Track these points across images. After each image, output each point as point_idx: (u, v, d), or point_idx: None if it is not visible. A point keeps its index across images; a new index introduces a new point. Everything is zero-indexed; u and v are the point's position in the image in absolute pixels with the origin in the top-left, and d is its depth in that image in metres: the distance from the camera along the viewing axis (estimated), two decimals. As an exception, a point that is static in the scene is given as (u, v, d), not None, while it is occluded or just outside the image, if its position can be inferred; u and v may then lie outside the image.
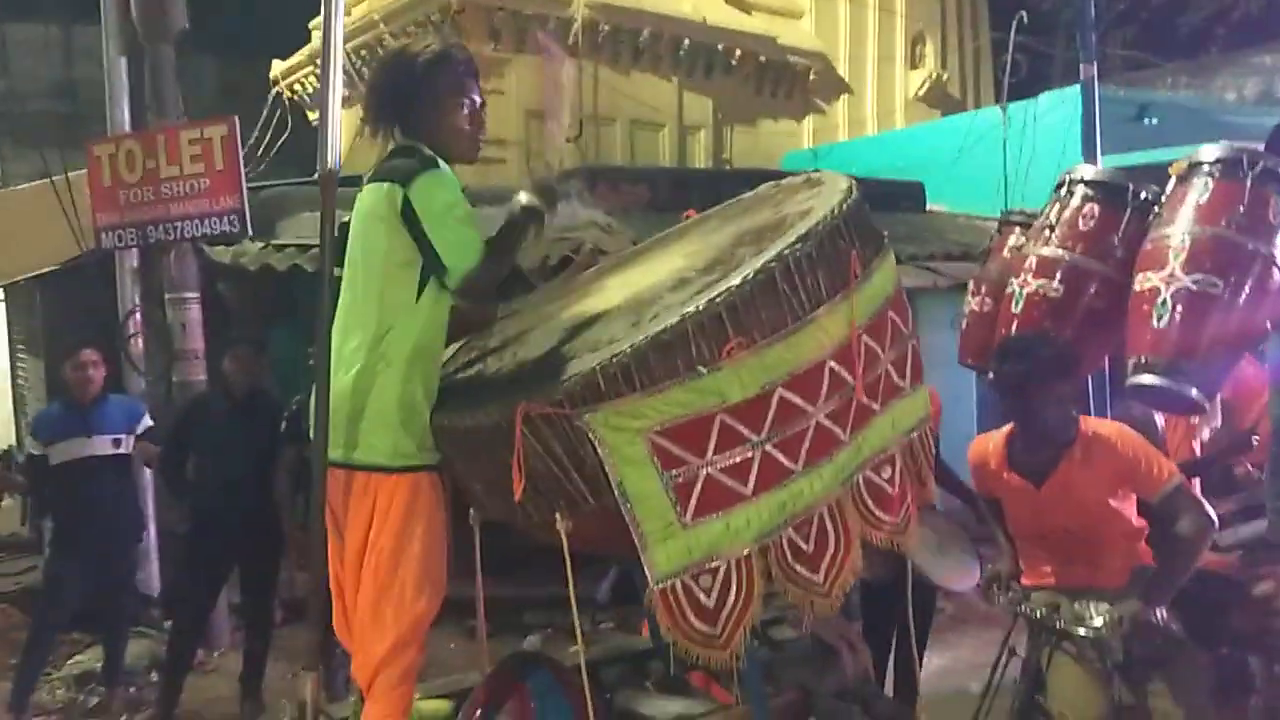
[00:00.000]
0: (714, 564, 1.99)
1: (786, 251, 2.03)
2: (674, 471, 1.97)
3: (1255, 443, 3.65)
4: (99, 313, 6.26)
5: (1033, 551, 3.09)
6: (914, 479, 2.33)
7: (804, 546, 2.09)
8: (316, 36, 14.11)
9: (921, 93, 16.40)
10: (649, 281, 2.38)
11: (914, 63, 16.58)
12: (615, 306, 2.30)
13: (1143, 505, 2.95)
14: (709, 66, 13.96)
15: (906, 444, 2.30)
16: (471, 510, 2.49)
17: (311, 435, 2.29)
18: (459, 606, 2.51)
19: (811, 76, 15.27)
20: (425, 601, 2.26)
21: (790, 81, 15.11)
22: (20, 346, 9.25)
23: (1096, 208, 3.10)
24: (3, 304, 9.90)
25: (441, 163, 2.29)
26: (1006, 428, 3.07)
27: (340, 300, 2.35)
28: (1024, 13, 11.12)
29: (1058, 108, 10.43)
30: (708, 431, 1.98)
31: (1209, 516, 2.82)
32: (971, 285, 3.64)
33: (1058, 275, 3.11)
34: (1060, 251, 3.12)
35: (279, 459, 4.40)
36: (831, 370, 2.08)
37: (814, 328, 2.05)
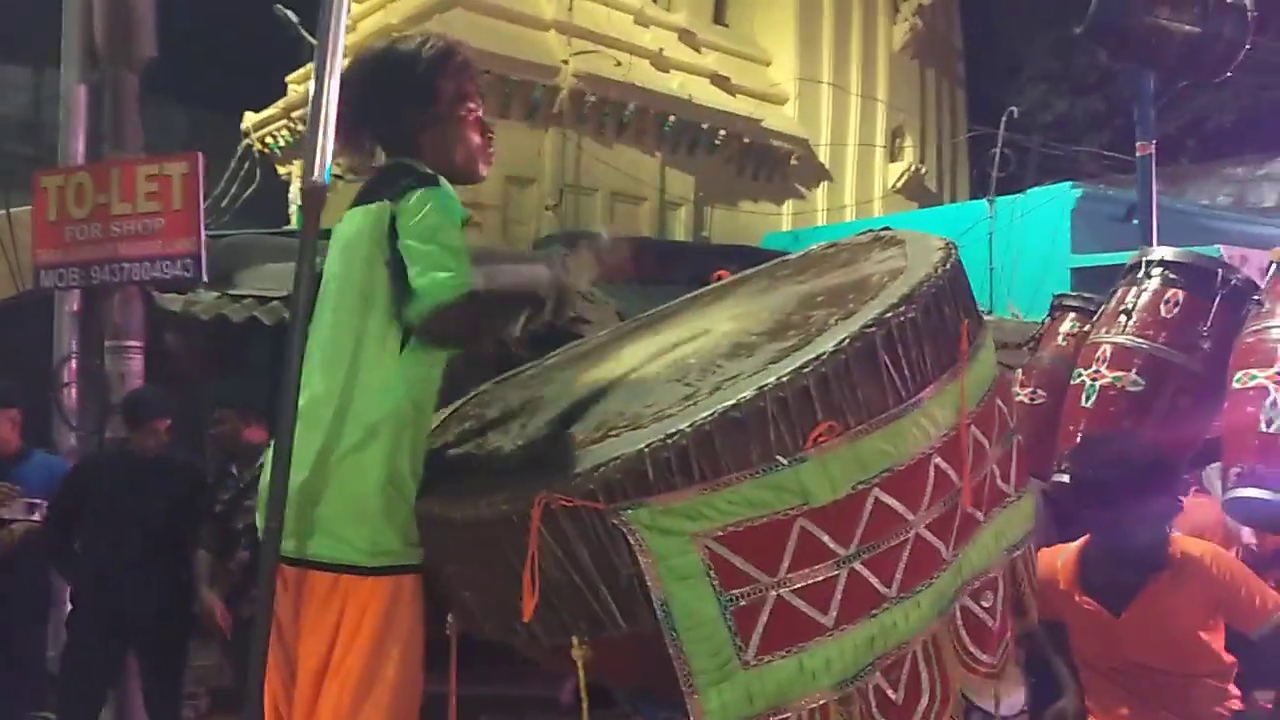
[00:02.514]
0: (781, 716, 1.53)
1: (889, 315, 1.60)
2: (736, 592, 1.51)
3: None
4: (32, 358, 5.71)
5: (1105, 688, 2.64)
6: (1013, 607, 1.88)
7: (892, 696, 1.62)
8: (293, 89, 13.80)
9: (900, 184, 16.44)
10: (693, 346, 1.94)
11: (894, 154, 16.67)
12: (653, 374, 1.86)
13: (1231, 638, 2.54)
14: (693, 144, 13.86)
15: (1009, 564, 1.85)
16: (450, 616, 1.99)
17: (258, 517, 1.79)
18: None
19: (793, 161, 15.25)
20: None
21: (772, 164, 15.06)
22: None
23: (1181, 294, 2.75)
24: (-69, 344, 9.25)
25: (445, 182, 1.85)
26: (1079, 542, 2.65)
27: (306, 349, 1.86)
28: (1014, 109, 11.18)
29: (1046, 202, 10.34)
30: (783, 541, 1.53)
31: (1324, 657, 2.40)
32: (1021, 375, 3.26)
33: (1136, 367, 2.73)
34: (1140, 341, 2.75)
35: (195, 533, 3.88)
36: (937, 468, 1.64)
37: (919, 414, 1.62)
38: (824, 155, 15.76)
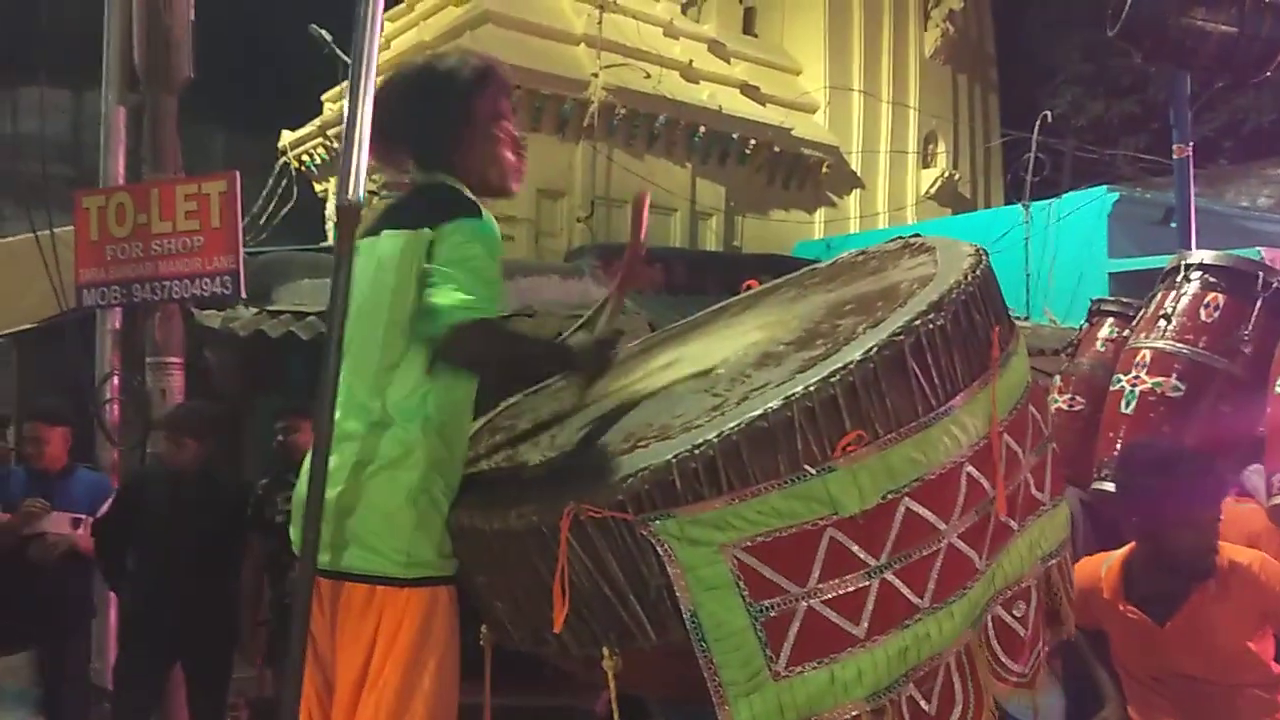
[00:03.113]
0: (814, 729, 1.51)
1: (917, 323, 1.59)
2: (766, 602, 1.51)
3: None
4: (75, 376, 5.82)
5: (1148, 698, 2.59)
6: (1048, 619, 1.85)
7: (925, 707, 1.60)
8: (328, 107, 14.00)
9: (933, 191, 16.31)
10: (720, 356, 1.93)
11: (926, 161, 16.55)
12: (684, 385, 1.85)
13: (1281, 648, 2.48)
14: (723, 154, 13.86)
15: (1044, 573, 1.82)
16: (484, 628, 2.00)
17: (292, 530, 1.81)
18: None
19: (824, 169, 15.20)
20: None
21: (803, 173, 15.01)
22: (-7, 407, 8.81)
23: (1221, 297, 2.69)
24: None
25: (485, 212, 1.86)
26: (1123, 550, 2.60)
27: (341, 369, 1.88)
28: (1048, 113, 11.06)
29: (1083, 206, 10.20)
30: (813, 551, 1.52)
31: (1376, 669, 2.34)
32: (1059, 381, 3.21)
33: (1177, 372, 2.68)
34: (1180, 346, 2.70)
35: (244, 548, 3.91)
36: (969, 477, 1.62)
37: (949, 422, 1.60)
38: (855, 163, 15.69)
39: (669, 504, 1.50)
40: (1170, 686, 2.51)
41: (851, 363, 1.53)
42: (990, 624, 1.73)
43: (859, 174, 15.77)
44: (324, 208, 14.04)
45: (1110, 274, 9.53)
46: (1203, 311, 2.71)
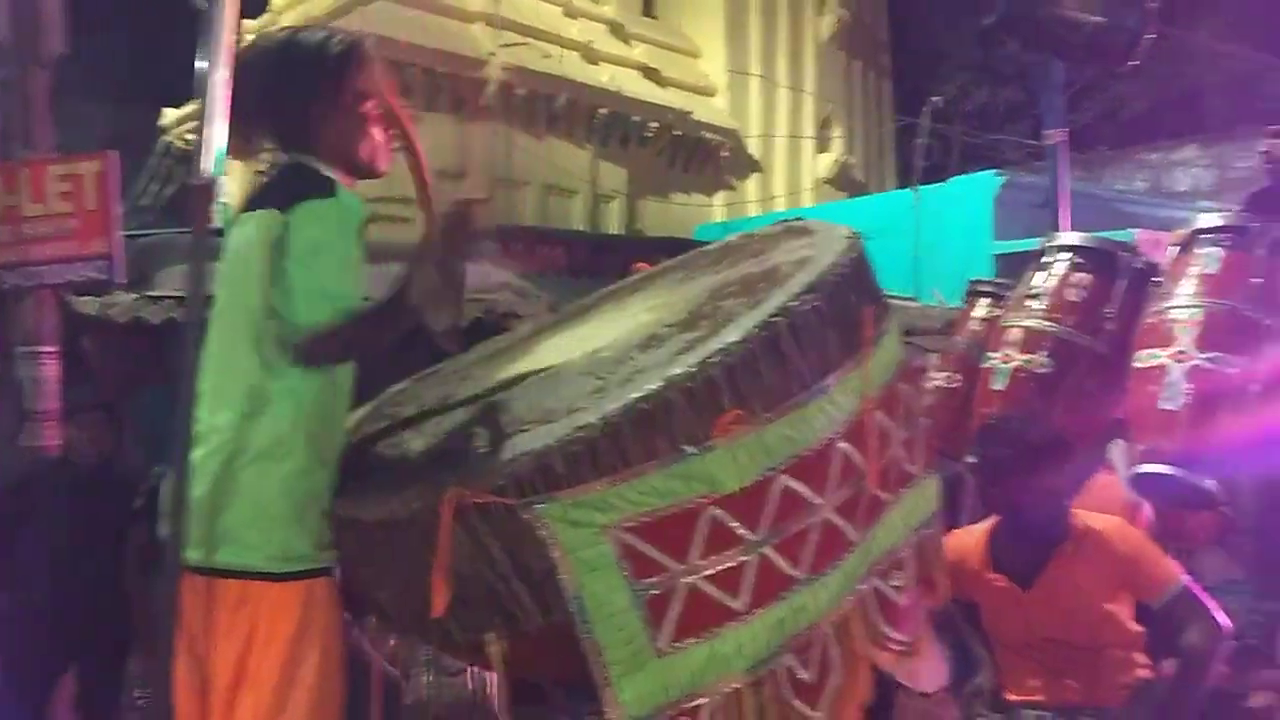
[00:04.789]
0: (696, 703, 1.55)
1: (794, 303, 1.63)
2: (648, 581, 1.53)
3: None
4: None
5: (1018, 663, 2.72)
6: (923, 585, 1.93)
7: (804, 676, 1.65)
8: (214, 85, 13.44)
9: (829, 175, 16.63)
10: (608, 339, 1.95)
11: (823, 145, 16.84)
12: (568, 368, 1.86)
13: (1141, 610, 2.64)
14: (624, 137, 13.85)
15: (917, 543, 1.90)
16: (372, 620, 1.98)
17: (162, 528, 1.76)
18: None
19: (724, 153, 15.33)
20: None
21: (703, 156, 15.12)
22: None
23: (1087, 277, 2.84)
24: None
25: (342, 188, 1.80)
26: (988, 522, 2.73)
27: (205, 359, 1.83)
28: (938, 99, 11.39)
29: (969, 190, 10.56)
30: (693, 529, 1.55)
31: (1220, 624, 2.50)
32: (937, 360, 3.34)
33: (1045, 349, 2.81)
34: (1048, 324, 2.83)
35: (128, 540, 3.77)
36: (842, 453, 1.68)
37: (824, 400, 1.65)
38: (754, 147, 15.87)
39: (552, 487, 1.51)
40: (1037, 651, 2.64)
41: (730, 344, 1.57)
42: (870, 595, 1.79)
43: (758, 158, 15.97)
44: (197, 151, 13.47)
45: (995, 255, 9.89)
46: (1070, 291, 2.85)
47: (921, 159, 11.07)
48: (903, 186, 13.48)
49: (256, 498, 1.73)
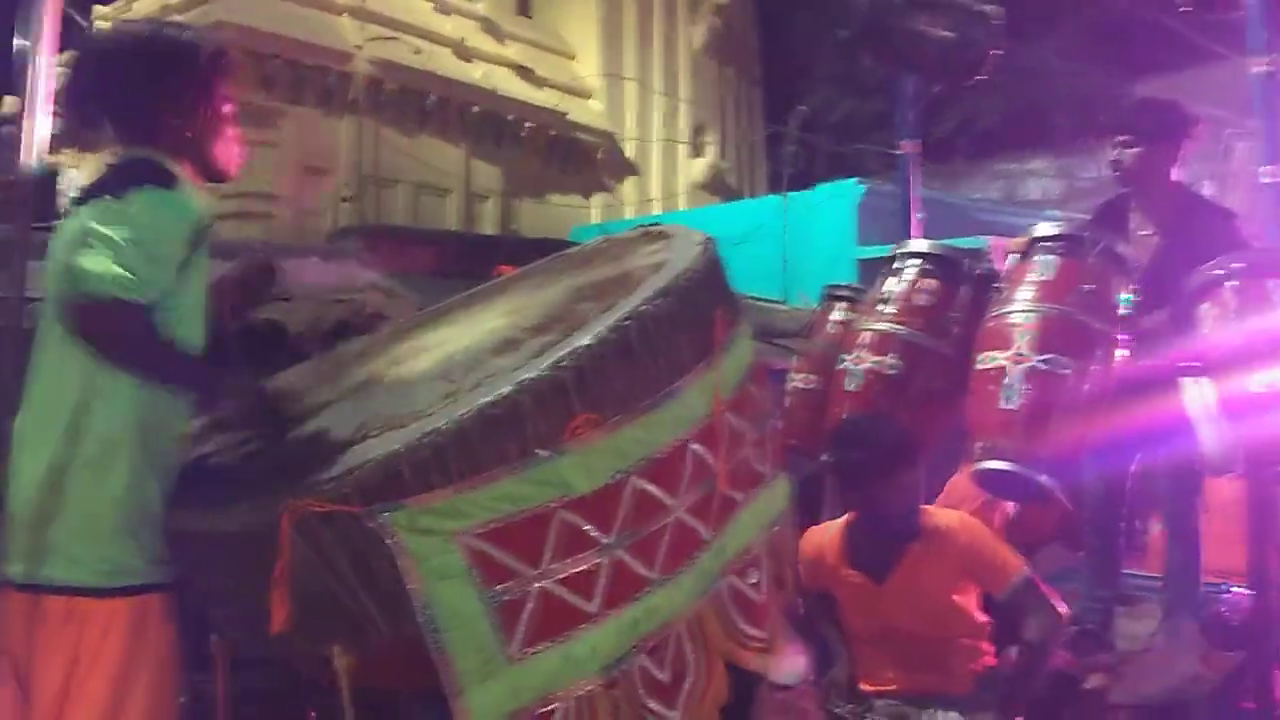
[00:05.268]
0: (550, 708, 1.55)
1: (645, 307, 1.65)
2: (499, 587, 1.52)
3: None
4: None
5: (873, 655, 2.82)
6: (775, 582, 1.98)
7: (659, 675, 1.68)
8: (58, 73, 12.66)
9: (703, 180, 16.89)
10: (463, 343, 1.92)
11: (697, 150, 17.09)
12: (421, 373, 1.83)
13: (987, 601, 2.77)
14: (498, 136, 13.70)
15: (769, 541, 1.95)
16: (214, 638, 1.89)
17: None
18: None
19: (600, 155, 15.37)
20: None
21: (579, 158, 15.12)
22: None
23: (933, 282, 2.96)
24: None
25: (184, 184, 1.72)
26: (844, 518, 2.82)
27: (36, 362, 1.71)
28: (804, 108, 11.73)
29: (833, 197, 10.90)
30: (545, 533, 1.55)
31: (1059, 614, 2.65)
32: (796, 362, 3.42)
33: (894, 352, 2.92)
34: (897, 327, 2.94)
35: None
36: (694, 454, 1.70)
37: (675, 403, 1.67)
38: (630, 150, 15.97)
39: (399, 495, 1.48)
40: (890, 643, 2.74)
41: (580, 347, 1.57)
42: (725, 593, 1.83)
43: (633, 161, 16.08)
44: (55, 182, 12.71)
45: (859, 260, 10.25)
46: (917, 296, 2.96)
47: (789, 166, 11.38)
48: (774, 192, 13.82)
49: (85, 509, 1.63)
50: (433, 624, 1.48)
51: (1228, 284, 2.58)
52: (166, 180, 1.69)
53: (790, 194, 11.33)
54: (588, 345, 1.57)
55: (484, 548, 1.51)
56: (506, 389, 1.51)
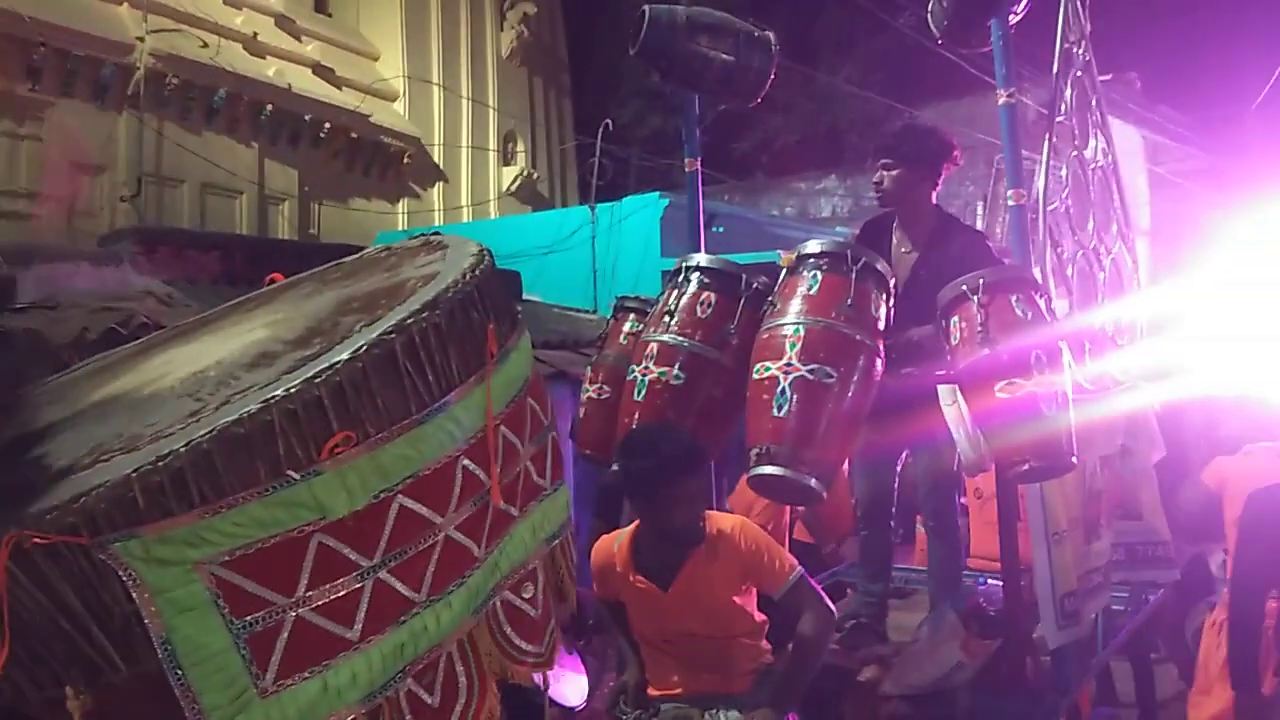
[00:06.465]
0: (307, 740, 1.47)
1: (410, 321, 1.60)
2: (250, 618, 1.44)
3: None
4: None
5: (659, 659, 2.88)
6: (555, 595, 1.97)
7: (427, 699, 1.63)
8: None
9: (514, 188, 16.81)
10: (216, 356, 1.81)
11: (507, 159, 16.99)
12: (167, 389, 1.71)
13: (763, 600, 2.88)
14: (294, 136, 13.10)
15: (548, 554, 1.94)
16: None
17: None
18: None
19: (406, 160, 14.99)
20: None
21: (384, 162, 14.69)
22: None
23: (713, 295, 3.06)
24: None
25: None
26: (631, 526, 2.87)
27: None
28: (609, 121, 11.91)
29: (639, 210, 11.12)
30: (300, 559, 1.47)
31: (830, 610, 2.80)
32: (589, 372, 3.45)
33: (678, 363, 2.99)
34: (681, 339, 3.02)
35: None
36: (465, 470, 1.67)
37: (444, 418, 1.63)
38: (438, 155, 15.68)
39: (132, 523, 1.37)
40: (676, 645, 2.81)
41: (339, 362, 1.51)
42: (499, 608, 1.80)
43: (442, 167, 15.78)
44: None
45: (663, 272, 10.47)
46: (699, 308, 3.05)
47: (596, 178, 11.52)
48: (584, 202, 13.93)
49: None
50: (173, 660, 1.38)
51: (974, 298, 2.80)
52: None
53: (599, 205, 11.47)
54: (347, 359, 1.51)
55: (230, 577, 1.42)
56: (254, 406, 1.43)
